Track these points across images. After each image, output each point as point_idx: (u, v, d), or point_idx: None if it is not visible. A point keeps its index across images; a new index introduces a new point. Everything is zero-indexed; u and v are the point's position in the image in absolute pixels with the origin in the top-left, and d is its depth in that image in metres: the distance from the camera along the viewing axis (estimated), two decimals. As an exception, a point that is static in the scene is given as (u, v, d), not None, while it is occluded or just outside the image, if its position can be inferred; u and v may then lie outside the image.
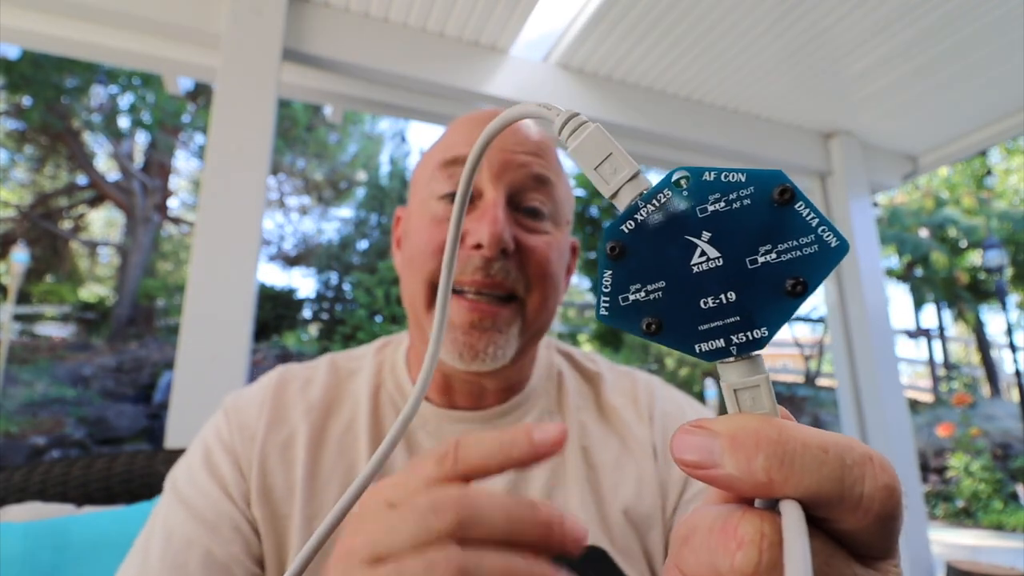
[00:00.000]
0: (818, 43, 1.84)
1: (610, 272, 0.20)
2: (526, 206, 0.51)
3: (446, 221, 0.50)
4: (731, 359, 0.20)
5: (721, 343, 0.19)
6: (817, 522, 0.18)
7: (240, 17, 1.46)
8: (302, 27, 1.58)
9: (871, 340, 2.21)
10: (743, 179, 0.19)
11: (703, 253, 0.19)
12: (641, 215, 0.20)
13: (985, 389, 11.64)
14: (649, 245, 0.20)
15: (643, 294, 0.20)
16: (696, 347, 0.20)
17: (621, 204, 0.21)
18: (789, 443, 0.17)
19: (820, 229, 0.19)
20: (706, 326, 0.20)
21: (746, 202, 0.19)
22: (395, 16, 1.68)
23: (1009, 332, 7.03)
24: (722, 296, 0.19)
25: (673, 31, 1.78)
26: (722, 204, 0.19)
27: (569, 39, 1.82)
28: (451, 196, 0.51)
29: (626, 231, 0.20)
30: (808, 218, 0.19)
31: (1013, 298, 11.12)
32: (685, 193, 0.20)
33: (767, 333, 0.19)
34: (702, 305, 0.20)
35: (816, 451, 0.17)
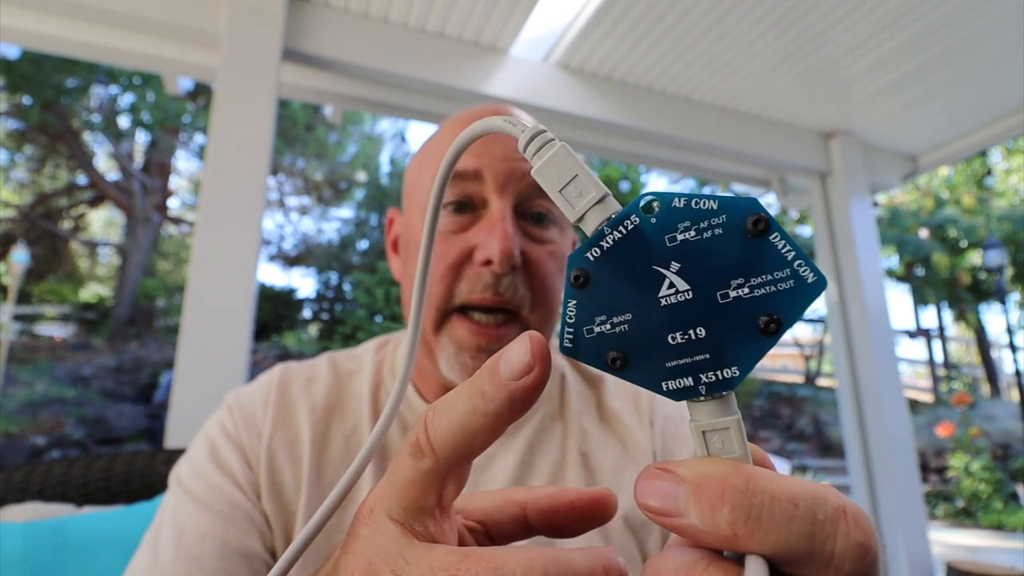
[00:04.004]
0: (818, 43, 1.84)
1: (574, 302, 0.19)
2: (532, 212, 0.51)
3: (453, 235, 0.49)
4: (700, 399, 0.18)
5: (689, 381, 0.18)
6: None
7: (240, 17, 1.46)
8: (302, 27, 1.58)
9: (871, 340, 2.21)
10: (715, 207, 0.18)
11: (672, 285, 0.18)
12: (607, 242, 0.19)
13: (985, 389, 11.65)
14: (615, 274, 0.19)
15: (608, 326, 0.19)
16: (663, 385, 0.19)
17: (587, 229, 0.20)
18: (757, 495, 0.16)
19: (796, 263, 0.18)
20: (674, 363, 0.18)
21: (718, 231, 0.18)
22: (395, 16, 1.68)
23: (1009, 332, 7.03)
24: (691, 332, 0.18)
25: (673, 31, 1.78)
26: (692, 233, 0.18)
27: (569, 39, 1.82)
28: (454, 204, 0.50)
29: (591, 259, 0.19)
30: (784, 251, 0.18)
31: (1013, 298, 11.13)
32: (654, 220, 0.19)
33: (738, 373, 0.18)
34: (670, 340, 0.18)
35: (785, 504, 0.16)
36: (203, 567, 0.42)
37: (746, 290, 0.18)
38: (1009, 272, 9.97)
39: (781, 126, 2.32)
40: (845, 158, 2.36)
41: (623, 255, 0.19)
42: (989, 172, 11.77)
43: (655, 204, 0.19)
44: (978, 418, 8.08)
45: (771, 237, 0.18)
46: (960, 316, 11.78)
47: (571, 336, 0.20)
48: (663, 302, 0.19)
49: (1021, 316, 12.14)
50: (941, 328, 13.03)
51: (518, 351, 0.19)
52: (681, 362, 0.18)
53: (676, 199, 0.19)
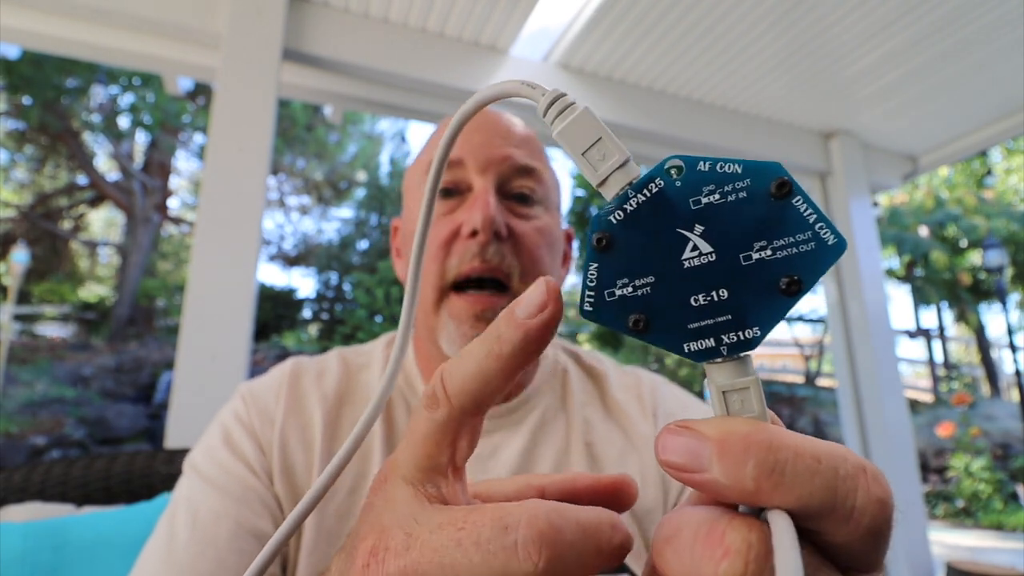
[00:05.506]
0: (818, 43, 1.84)
1: (596, 265, 0.19)
2: (515, 193, 0.53)
3: (442, 217, 0.52)
4: (720, 360, 0.19)
5: (711, 343, 0.18)
6: (804, 533, 0.17)
7: (240, 17, 1.46)
8: (302, 27, 1.58)
9: (871, 340, 2.21)
10: (739, 170, 0.18)
11: (695, 247, 0.19)
12: (631, 205, 0.19)
13: (985, 389, 11.64)
14: (638, 237, 0.19)
15: (630, 289, 0.19)
16: (685, 346, 0.19)
17: (609, 193, 0.20)
18: (781, 451, 0.16)
19: (817, 226, 0.18)
20: (696, 324, 0.19)
21: (742, 195, 0.18)
22: (395, 16, 1.68)
23: (1009, 332, 7.03)
24: (714, 293, 0.18)
25: (673, 31, 1.78)
26: (717, 196, 0.18)
27: (569, 39, 1.82)
28: (445, 191, 0.52)
29: (614, 221, 0.19)
30: (805, 214, 0.18)
31: (1013, 298, 11.13)
32: (678, 183, 0.19)
33: (759, 333, 0.18)
34: (692, 302, 0.19)
35: (809, 460, 0.16)
36: (217, 547, 0.43)
37: (769, 252, 0.18)
38: (1009, 272, 9.96)
39: (781, 126, 2.33)
40: (845, 158, 2.36)
41: (647, 218, 0.19)
42: (989, 172, 11.76)
43: (679, 168, 0.19)
44: (978, 418, 8.08)
45: (794, 200, 0.18)
46: (960, 316, 11.77)
47: (591, 299, 0.19)
48: (686, 264, 0.19)
49: (1021, 316, 12.14)
50: (941, 328, 13.03)
51: (533, 291, 0.20)
52: (703, 323, 0.19)
53: (701, 163, 0.19)
